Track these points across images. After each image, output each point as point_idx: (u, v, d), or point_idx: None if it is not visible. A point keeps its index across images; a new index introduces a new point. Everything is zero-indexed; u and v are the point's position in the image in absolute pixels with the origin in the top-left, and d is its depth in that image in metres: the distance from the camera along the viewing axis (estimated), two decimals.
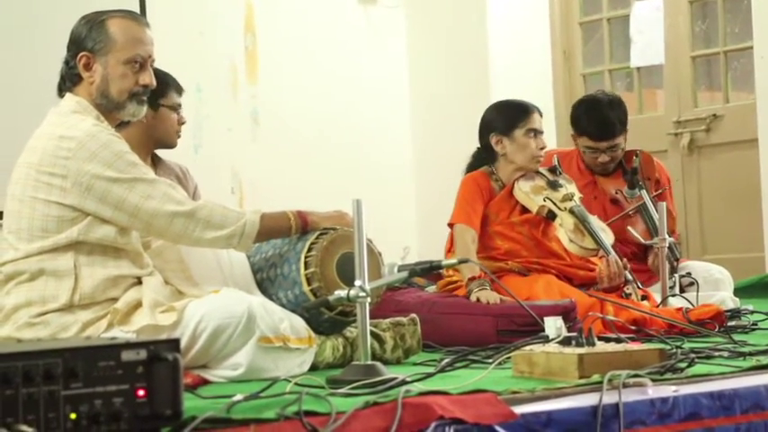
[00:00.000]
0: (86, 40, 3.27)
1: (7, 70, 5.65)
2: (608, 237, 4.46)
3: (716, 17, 6.67)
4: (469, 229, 4.39)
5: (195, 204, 3.23)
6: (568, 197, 4.49)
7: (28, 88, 5.44)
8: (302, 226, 3.39)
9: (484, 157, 4.58)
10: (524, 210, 4.48)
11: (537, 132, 4.46)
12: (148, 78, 3.31)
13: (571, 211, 4.44)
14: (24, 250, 3.15)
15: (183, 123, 4.30)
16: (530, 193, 4.45)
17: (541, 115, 4.54)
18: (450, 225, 4.47)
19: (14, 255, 3.17)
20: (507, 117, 4.48)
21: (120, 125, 3.47)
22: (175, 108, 4.24)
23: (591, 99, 5.00)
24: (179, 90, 4.28)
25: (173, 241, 3.29)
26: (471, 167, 4.61)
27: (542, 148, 4.48)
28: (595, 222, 4.48)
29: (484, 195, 4.48)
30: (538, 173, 4.53)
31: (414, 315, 3.70)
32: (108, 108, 3.28)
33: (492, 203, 4.47)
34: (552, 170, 4.57)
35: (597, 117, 4.82)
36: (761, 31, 6.10)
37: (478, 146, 4.61)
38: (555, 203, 4.44)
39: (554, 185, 4.51)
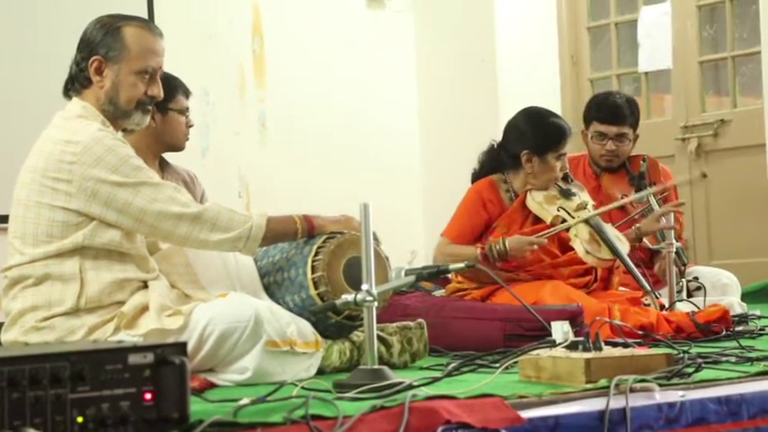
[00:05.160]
0: (100, 45, 3.27)
1: (13, 73, 5.65)
2: (624, 245, 4.45)
3: (724, 22, 6.66)
4: (453, 246, 4.39)
5: (201, 207, 3.23)
6: (582, 206, 4.47)
7: (34, 91, 5.46)
8: (309, 229, 3.39)
9: (498, 161, 4.54)
10: (536, 220, 4.45)
11: (564, 155, 4.46)
12: (157, 90, 3.32)
13: (586, 221, 4.43)
14: (30, 255, 3.15)
15: (190, 126, 4.31)
16: (543, 204, 4.42)
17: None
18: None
19: (20, 259, 3.18)
20: (545, 139, 4.42)
21: (126, 130, 3.47)
22: (183, 111, 4.26)
23: (606, 92, 5.35)
24: (186, 93, 4.30)
25: (179, 244, 3.29)
26: (482, 169, 4.57)
27: (562, 168, 4.48)
28: (610, 231, 4.46)
29: (488, 209, 4.44)
30: None
31: (421, 319, 3.70)
32: (114, 115, 3.29)
33: (503, 216, 4.43)
34: (564, 177, 4.56)
35: (609, 103, 5.03)
36: None
37: (492, 144, 4.57)
38: (569, 213, 4.42)
39: (567, 194, 4.48)
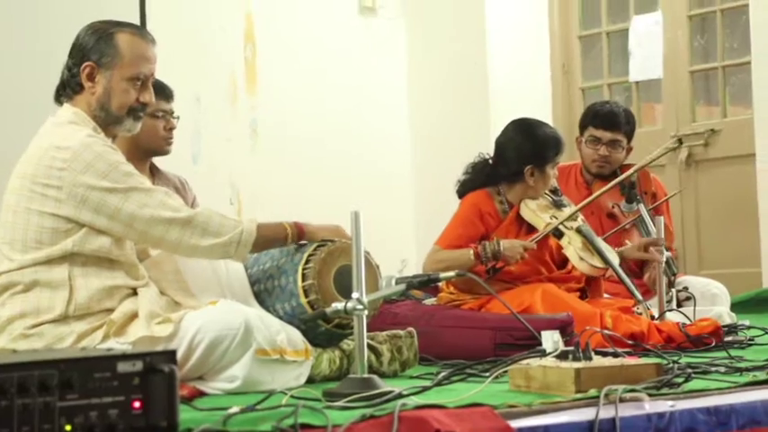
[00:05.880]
0: (93, 50, 3.26)
1: (12, 73, 5.63)
2: (614, 257, 4.47)
3: (714, 32, 6.68)
4: (444, 252, 4.39)
5: (192, 212, 3.22)
6: (573, 217, 4.50)
7: (31, 94, 5.42)
8: (299, 235, 3.39)
9: (490, 175, 4.52)
10: (529, 231, 4.46)
11: (557, 162, 4.52)
12: (148, 96, 3.32)
13: (578, 231, 4.45)
14: (18, 261, 3.14)
15: (171, 129, 4.18)
16: (536, 211, 4.44)
17: None
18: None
19: (9, 266, 3.16)
20: (545, 152, 4.43)
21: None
22: (157, 115, 4.12)
23: (604, 100, 5.57)
24: (167, 96, 4.18)
25: (170, 250, 3.28)
26: (472, 183, 4.55)
27: (554, 175, 4.53)
28: (601, 243, 4.49)
29: (485, 221, 4.42)
30: None
31: (411, 328, 3.70)
32: (106, 121, 3.28)
33: (500, 229, 4.43)
34: (554, 191, 4.57)
35: (606, 109, 5.14)
36: (759, 47, 6.12)
37: (487, 160, 4.55)
38: (561, 222, 4.44)
39: (558, 205, 4.52)
